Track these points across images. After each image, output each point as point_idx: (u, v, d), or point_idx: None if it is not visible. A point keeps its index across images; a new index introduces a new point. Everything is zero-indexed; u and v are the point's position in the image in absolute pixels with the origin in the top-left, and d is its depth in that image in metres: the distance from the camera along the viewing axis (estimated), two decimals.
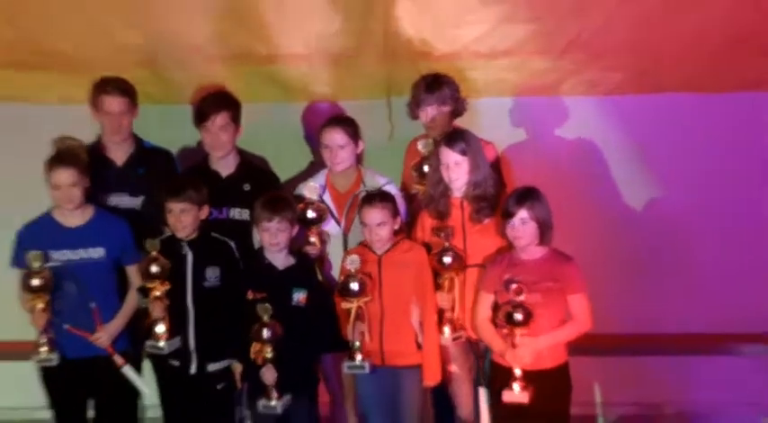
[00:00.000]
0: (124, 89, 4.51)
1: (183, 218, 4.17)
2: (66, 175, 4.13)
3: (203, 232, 4.27)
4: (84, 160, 4.24)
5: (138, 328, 4.27)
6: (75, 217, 4.22)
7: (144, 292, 4.22)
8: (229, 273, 4.26)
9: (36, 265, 4.09)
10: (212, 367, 4.25)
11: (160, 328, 4.19)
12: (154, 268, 4.13)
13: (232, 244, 4.29)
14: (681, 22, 4.63)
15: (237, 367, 4.25)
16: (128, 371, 4.28)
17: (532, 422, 4.14)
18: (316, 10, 4.64)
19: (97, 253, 4.21)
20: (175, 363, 4.22)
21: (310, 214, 4.38)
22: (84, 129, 4.51)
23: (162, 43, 4.74)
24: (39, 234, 4.23)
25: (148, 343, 4.21)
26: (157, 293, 4.15)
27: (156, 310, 4.17)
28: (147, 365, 4.43)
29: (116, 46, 4.69)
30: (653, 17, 4.60)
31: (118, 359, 4.25)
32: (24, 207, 4.41)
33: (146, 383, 4.38)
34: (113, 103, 4.45)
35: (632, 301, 5.03)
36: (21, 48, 4.73)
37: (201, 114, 4.50)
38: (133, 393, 4.38)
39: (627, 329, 5.07)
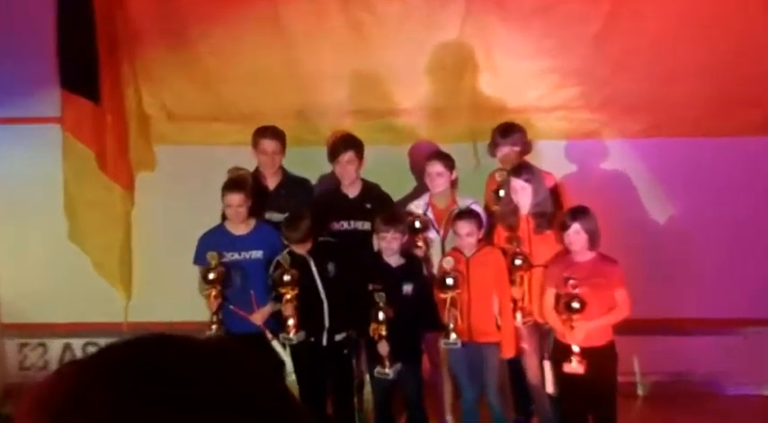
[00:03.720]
0: (277, 134, 5.42)
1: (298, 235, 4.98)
2: (236, 198, 5.07)
3: (317, 241, 5.10)
4: (250, 186, 5.15)
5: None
6: (241, 227, 5.14)
7: (278, 297, 4.95)
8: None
9: (213, 262, 4.97)
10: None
11: (290, 323, 4.99)
12: (286, 277, 4.92)
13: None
14: (687, 87, 5.75)
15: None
16: (276, 345, 5.09)
17: (587, 389, 4.87)
18: (420, 77, 5.76)
19: (257, 254, 5.12)
20: (311, 339, 5.04)
21: (417, 225, 5.27)
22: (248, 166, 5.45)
23: (307, 102, 5.83)
24: (214, 240, 5.12)
25: (282, 335, 5.03)
26: (288, 297, 4.94)
27: (288, 309, 4.96)
28: None
29: (275, 104, 5.74)
30: (663, 81, 5.76)
31: (268, 334, 5.07)
32: (202, 220, 5.31)
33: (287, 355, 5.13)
34: (270, 145, 5.41)
35: (659, 292, 5.80)
36: (205, 104, 5.84)
37: (334, 152, 5.40)
38: (280, 363, 5.15)
39: (656, 315, 5.86)
